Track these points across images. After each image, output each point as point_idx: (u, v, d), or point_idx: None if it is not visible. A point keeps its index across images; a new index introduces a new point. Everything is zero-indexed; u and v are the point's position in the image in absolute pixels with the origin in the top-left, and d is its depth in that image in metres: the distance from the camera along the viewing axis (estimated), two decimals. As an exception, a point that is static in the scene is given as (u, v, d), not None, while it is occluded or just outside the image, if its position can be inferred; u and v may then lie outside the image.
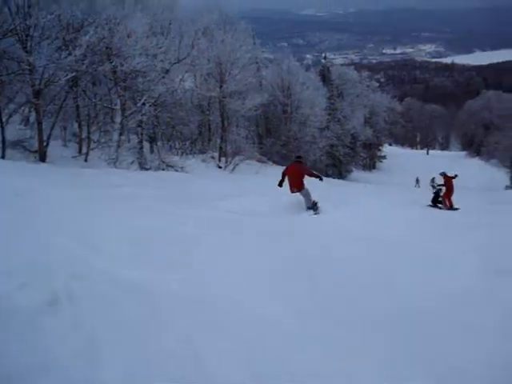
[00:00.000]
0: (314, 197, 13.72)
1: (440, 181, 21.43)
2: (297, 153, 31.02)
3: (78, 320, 4.50)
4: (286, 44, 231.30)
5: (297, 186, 13.57)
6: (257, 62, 42.03)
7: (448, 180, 20.99)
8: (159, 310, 5.13)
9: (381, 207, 14.02)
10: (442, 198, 20.85)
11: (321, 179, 14.18)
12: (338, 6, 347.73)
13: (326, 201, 13.79)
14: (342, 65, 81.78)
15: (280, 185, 14.05)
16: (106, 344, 4.24)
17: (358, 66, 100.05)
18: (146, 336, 4.53)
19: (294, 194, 13.82)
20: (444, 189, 20.97)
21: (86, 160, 23.77)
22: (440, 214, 17.07)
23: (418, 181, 40.64)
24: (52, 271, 5.26)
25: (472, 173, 56.94)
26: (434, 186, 22.36)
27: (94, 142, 25.42)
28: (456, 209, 19.75)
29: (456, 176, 21.37)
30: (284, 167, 15.43)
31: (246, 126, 40.87)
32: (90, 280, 5.43)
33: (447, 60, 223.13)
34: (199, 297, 5.72)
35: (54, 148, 23.69)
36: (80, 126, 25.54)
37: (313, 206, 13.42)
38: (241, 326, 5.15)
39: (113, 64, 24.17)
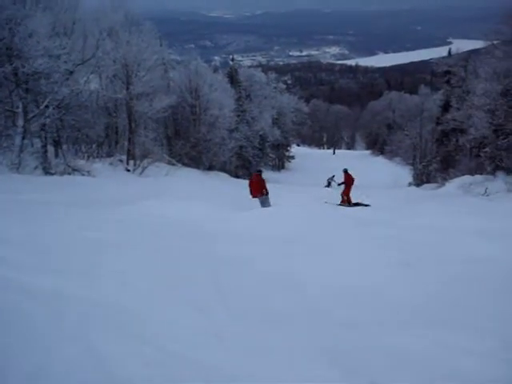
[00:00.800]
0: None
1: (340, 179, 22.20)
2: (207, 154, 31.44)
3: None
4: (193, 46, 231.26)
5: (259, 192, 17.47)
6: (164, 64, 41.72)
7: (348, 177, 21.76)
8: (65, 317, 5.03)
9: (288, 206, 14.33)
10: (342, 194, 21.58)
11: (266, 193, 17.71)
12: (245, 8, 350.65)
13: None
14: (249, 67, 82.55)
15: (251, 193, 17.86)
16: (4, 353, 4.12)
17: (266, 68, 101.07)
18: (49, 346, 4.42)
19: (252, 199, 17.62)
20: (343, 185, 21.76)
21: (-14, 165, 22.80)
22: (349, 211, 17.56)
23: (330, 182, 41.12)
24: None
25: (377, 170, 59.10)
26: (329, 182, 23.07)
27: (-5, 147, 24.43)
28: (365, 205, 20.50)
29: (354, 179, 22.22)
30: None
31: (155, 128, 40.43)
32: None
33: (351, 62, 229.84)
34: (102, 301, 5.66)
35: (-49, 153, 22.63)
36: (-21, 129, 24.48)
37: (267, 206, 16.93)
38: (148, 329, 5.14)
39: (13, 65, 23.28)
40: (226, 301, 6.25)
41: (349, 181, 21.71)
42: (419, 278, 7.48)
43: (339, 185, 22.04)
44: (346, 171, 22.11)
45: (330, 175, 35.69)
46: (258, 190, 17.53)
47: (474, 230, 11.01)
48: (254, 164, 54.02)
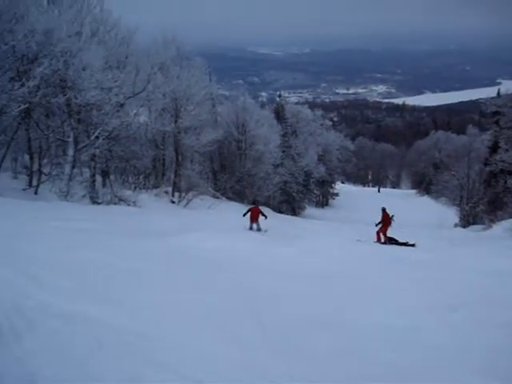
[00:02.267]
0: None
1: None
2: (251, 189, 38.66)
3: (21, 355, 4.39)
4: (241, 81, 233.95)
5: (256, 220, 21.58)
6: (212, 99, 42.29)
7: (385, 215, 21.60)
8: (105, 345, 5.05)
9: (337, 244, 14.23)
10: (377, 232, 21.38)
11: (265, 217, 21.90)
12: (293, 46, 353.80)
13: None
14: (296, 103, 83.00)
15: (244, 215, 22.04)
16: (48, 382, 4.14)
17: (312, 105, 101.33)
18: (92, 373, 4.44)
19: (251, 226, 21.45)
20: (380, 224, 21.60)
21: (36, 193, 23.34)
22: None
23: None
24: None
25: (422, 210, 58.13)
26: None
27: (45, 175, 24.98)
28: (411, 245, 20.30)
29: (393, 216, 22.01)
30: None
31: (201, 162, 40.90)
32: (35, 314, 5.33)
33: (398, 101, 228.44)
34: (140, 332, 5.67)
35: (4, 180, 23.24)
36: (31, 158, 25.07)
37: (261, 230, 21.23)
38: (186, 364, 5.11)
39: (67, 96, 23.99)
40: (268, 338, 6.18)
41: (386, 219, 21.63)
42: (463, 324, 7.28)
43: (377, 224, 21.81)
44: (384, 209, 22.08)
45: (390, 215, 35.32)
46: (257, 217, 21.79)
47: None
48: (297, 200, 53.89)
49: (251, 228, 21.65)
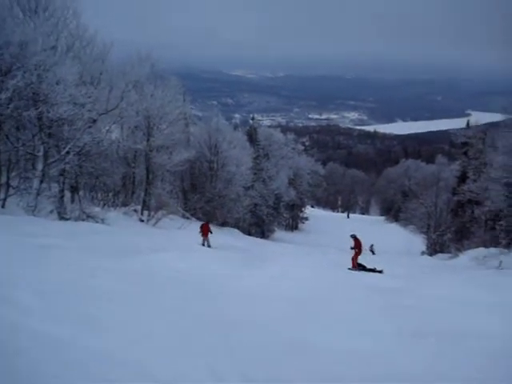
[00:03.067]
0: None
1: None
2: (221, 211, 40.26)
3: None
4: (215, 102, 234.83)
5: (206, 235, 24.60)
6: (185, 118, 42.35)
7: (357, 242, 21.83)
8: (73, 366, 4.97)
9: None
10: (352, 258, 21.58)
11: (211, 233, 25.09)
12: (268, 69, 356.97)
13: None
14: (269, 126, 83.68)
15: (200, 231, 24.98)
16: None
17: (285, 129, 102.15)
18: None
19: (202, 240, 24.45)
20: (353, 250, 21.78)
21: (3, 206, 22.96)
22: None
23: (372, 248, 38.93)
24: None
25: (391, 237, 58.66)
26: (372, 252, 22.90)
27: (13, 188, 24.61)
28: (379, 271, 20.48)
29: (372, 245, 22.22)
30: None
31: (171, 181, 40.81)
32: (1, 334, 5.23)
33: (370, 128, 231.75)
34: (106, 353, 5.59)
35: (-31, 192, 22.85)
36: (-1, 170, 24.76)
37: (211, 246, 24.39)
38: None
39: (39, 110, 23.75)
40: (239, 367, 6.12)
41: (358, 245, 21.88)
42: (427, 351, 7.32)
43: (352, 248, 21.98)
44: (354, 236, 22.31)
45: (369, 244, 35.44)
46: (207, 233, 24.74)
47: (486, 303, 10.83)
48: (267, 223, 53.96)
49: (203, 244, 24.51)
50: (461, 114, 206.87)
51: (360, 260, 21.71)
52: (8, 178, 24.33)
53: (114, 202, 33.65)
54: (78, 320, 6.48)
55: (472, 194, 36.75)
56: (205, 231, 24.89)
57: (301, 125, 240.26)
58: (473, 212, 38.72)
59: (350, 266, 21.35)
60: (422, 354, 7.12)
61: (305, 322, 8.35)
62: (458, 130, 47.90)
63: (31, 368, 4.66)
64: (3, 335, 5.21)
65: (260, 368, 6.13)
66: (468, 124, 50.93)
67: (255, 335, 7.44)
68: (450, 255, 34.95)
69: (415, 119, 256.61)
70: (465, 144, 43.42)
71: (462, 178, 42.40)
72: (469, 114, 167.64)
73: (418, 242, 49.72)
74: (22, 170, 26.27)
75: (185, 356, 6.08)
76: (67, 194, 28.28)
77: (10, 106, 22.11)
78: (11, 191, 24.23)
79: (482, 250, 28.70)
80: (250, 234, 45.91)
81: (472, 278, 18.59)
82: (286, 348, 6.99)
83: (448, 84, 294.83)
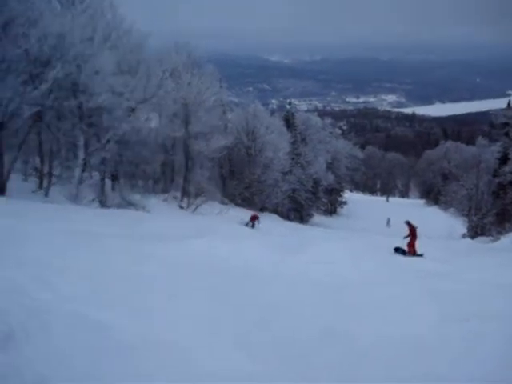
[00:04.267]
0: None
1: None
2: (258, 195, 41.30)
3: (32, 357, 4.41)
4: (251, 89, 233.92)
5: (255, 219, 28.03)
6: (222, 105, 42.46)
7: (412, 228, 21.44)
8: (116, 351, 5.07)
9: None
10: (408, 245, 21.19)
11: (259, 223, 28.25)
12: (303, 54, 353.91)
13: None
14: (306, 111, 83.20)
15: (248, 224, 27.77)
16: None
17: (322, 113, 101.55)
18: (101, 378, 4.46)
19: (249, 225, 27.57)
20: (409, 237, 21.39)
21: (46, 195, 23.45)
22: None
23: (389, 221, 40.42)
24: (6, 307, 5.16)
25: (431, 221, 57.85)
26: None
27: (56, 177, 25.10)
28: (420, 255, 20.17)
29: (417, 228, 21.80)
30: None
31: (210, 168, 40.98)
32: (47, 317, 5.35)
33: (408, 110, 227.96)
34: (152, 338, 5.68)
35: (15, 181, 23.35)
36: (42, 160, 25.22)
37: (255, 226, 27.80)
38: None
39: (78, 100, 24.10)
40: (278, 348, 6.17)
41: (412, 231, 21.43)
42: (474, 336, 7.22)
43: (405, 238, 21.57)
44: (408, 222, 21.87)
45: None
46: (254, 219, 28.14)
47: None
48: (305, 208, 53.79)
49: (247, 224, 27.65)
50: (501, 94, 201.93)
51: (399, 244, 21.44)
52: (50, 167, 24.83)
53: (153, 189, 33.99)
54: (125, 307, 6.60)
55: (514, 176, 36.02)
56: (253, 218, 28.44)
57: (338, 109, 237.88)
58: (515, 194, 37.91)
59: (407, 253, 20.95)
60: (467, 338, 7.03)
61: (347, 307, 8.32)
62: (498, 110, 46.85)
63: (75, 354, 4.77)
64: (48, 317, 5.34)
65: (299, 351, 6.17)
66: (509, 104, 49.70)
67: (296, 320, 7.46)
68: (491, 238, 34.37)
69: (454, 101, 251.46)
70: (505, 124, 42.34)
71: (504, 160, 41.40)
72: (510, 94, 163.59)
73: (459, 224, 48.95)
74: (64, 159, 26.79)
75: (223, 338, 6.16)
76: (108, 183, 28.70)
77: (51, 96, 22.48)
78: (54, 180, 24.73)
79: (524, 232, 28.16)
80: (288, 220, 45.85)
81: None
82: (326, 333, 6.98)
83: (487, 64, 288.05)
